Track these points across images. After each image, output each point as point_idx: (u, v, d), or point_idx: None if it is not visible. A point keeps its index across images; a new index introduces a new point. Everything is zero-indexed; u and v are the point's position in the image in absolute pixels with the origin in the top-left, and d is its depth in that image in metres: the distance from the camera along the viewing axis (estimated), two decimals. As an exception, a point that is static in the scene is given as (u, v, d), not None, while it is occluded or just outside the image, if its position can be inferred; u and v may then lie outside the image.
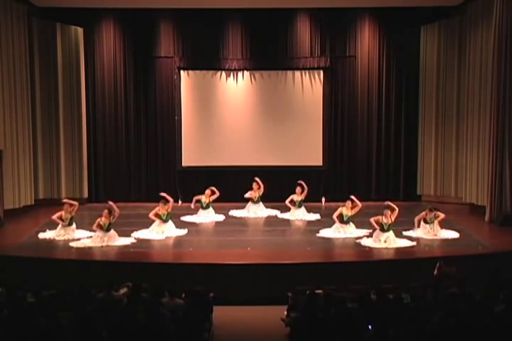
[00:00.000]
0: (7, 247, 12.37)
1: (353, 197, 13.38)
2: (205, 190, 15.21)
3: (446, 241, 12.71)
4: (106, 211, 12.66)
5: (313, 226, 14.13)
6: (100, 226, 12.49)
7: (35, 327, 6.83)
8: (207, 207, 15.06)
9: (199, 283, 9.88)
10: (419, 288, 8.69)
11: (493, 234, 13.70)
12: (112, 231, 12.60)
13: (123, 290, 8.92)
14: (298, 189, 15.05)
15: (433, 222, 12.88)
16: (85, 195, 17.21)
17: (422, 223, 13.12)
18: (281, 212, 15.33)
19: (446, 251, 12.04)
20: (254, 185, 15.51)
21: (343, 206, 13.41)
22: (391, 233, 12.39)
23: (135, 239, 12.95)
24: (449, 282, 9.07)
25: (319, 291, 8.69)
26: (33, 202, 16.16)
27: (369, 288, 8.67)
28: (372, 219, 12.61)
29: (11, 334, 6.75)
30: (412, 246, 12.35)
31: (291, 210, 15.05)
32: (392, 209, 12.53)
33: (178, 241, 13.10)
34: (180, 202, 17.07)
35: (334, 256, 12.35)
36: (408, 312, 7.50)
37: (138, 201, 16.64)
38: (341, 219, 13.24)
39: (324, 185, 17.38)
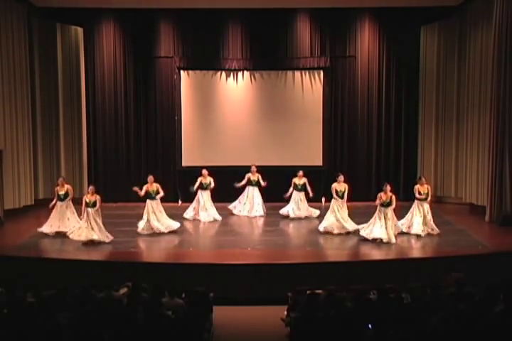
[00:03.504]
0: (7, 247, 12.37)
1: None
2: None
3: (445, 241, 12.72)
4: (91, 187, 12.84)
5: (313, 226, 14.14)
6: (86, 203, 12.58)
7: (35, 327, 6.83)
8: (207, 187, 15.02)
9: (199, 283, 9.87)
10: (419, 288, 8.68)
11: (493, 234, 13.70)
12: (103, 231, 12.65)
13: (123, 290, 8.92)
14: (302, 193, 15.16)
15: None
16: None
17: (417, 219, 13.21)
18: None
19: (446, 251, 12.04)
20: (253, 168, 15.54)
21: (334, 182, 13.63)
22: (390, 210, 12.52)
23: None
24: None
25: (319, 291, 8.68)
26: (33, 202, 16.18)
27: (367, 288, 8.67)
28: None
29: (11, 334, 6.74)
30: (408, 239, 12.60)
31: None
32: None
33: (178, 241, 13.10)
34: (180, 202, 17.08)
35: (334, 256, 12.34)
36: (408, 312, 7.49)
37: (138, 201, 16.62)
38: (338, 195, 13.44)
39: (324, 185, 17.37)
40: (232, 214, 15.61)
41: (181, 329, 7.09)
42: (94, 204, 12.61)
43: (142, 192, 13.62)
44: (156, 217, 13.54)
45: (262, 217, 15.46)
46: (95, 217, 12.56)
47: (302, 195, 15.17)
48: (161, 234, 13.42)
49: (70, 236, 12.64)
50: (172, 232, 13.61)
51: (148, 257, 12.14)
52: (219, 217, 15.08)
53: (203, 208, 15.02)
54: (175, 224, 13.75)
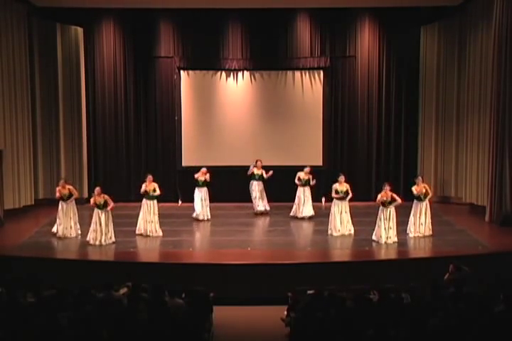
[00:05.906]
0: (7, 247, 12.38)
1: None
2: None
3: (445, 241, 12.72)
4: (98, 188, 12.72)
5: (314, 226, 14.14)
6: (96, 205, 12.52)
7: (35, 327, 6.83)
8: (203, 185, 15.02)
9: (199, 283, 9.88)
10: (419, 288, 8.68)
11: (493, 234, 13.72)
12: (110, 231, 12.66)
13: (123, 290, 8.92)
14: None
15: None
16: (85, 195, 17.18)
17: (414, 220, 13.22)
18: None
19: (446, 251, 12.04)
20: (258, 163, 15.50)
21: (335, 182, 13.58)
22: (392, 210, 12.55)
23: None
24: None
25: (319, 291, 8.68)
26: (33, 202, 16.17)
27: (367, 288, 8.68)
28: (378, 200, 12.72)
29: (11, 334, 6.74)
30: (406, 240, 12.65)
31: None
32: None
33: (178, 241, 13.10)
34: (180, 202, 17.09)
35: (334, 256, 12.36)
36: (408, 312, 7.49)
37: (138, 201, 16.62)
38: (338, 195, 13.42)
39: (324, 185, 17.36)
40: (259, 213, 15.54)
41: (181, 329, 7.09)
42: (104, 205, 12.54)
43: (142, 190, 13.57)
44: (150, 218, 13.48)
45: (264, 212, 15.47)
46: (106, 218, 12.51)
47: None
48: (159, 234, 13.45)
49: (91, 242, 12.54)
50: (170, 233, 13.60)
51: (148, 257, 12.15)
52: (205, 216, 15.00)
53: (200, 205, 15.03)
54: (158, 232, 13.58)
